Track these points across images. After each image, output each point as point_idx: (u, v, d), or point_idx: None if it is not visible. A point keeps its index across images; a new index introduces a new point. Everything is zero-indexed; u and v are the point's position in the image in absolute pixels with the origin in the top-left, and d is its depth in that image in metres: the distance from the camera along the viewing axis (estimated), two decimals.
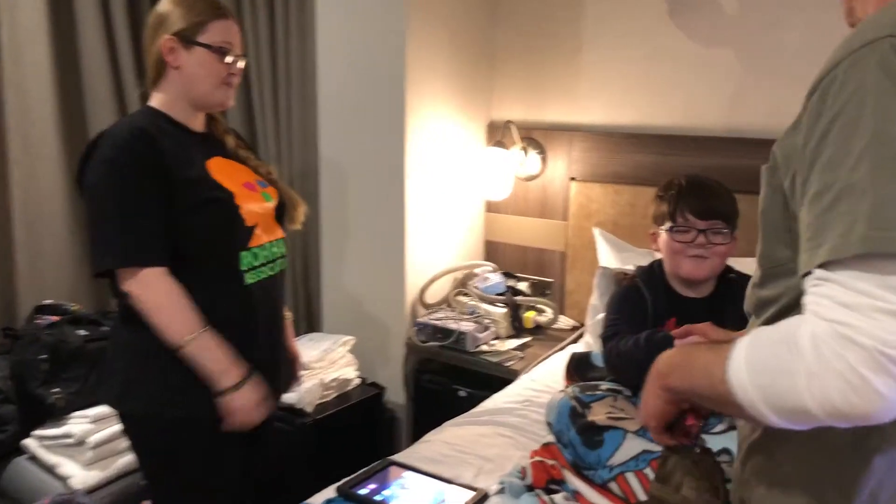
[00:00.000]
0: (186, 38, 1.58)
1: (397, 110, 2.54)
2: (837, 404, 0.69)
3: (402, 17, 2.48)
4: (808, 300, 0.74)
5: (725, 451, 1.65)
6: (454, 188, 2.81)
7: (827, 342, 0.69)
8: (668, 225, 1.85)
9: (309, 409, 2.37)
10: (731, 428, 1.68)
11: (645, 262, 2.41)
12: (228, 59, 1.62)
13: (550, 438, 1.81)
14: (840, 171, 0.71)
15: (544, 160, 2.78)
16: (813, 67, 2.65)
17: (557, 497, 1.65)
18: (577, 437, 1.73)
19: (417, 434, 2.69)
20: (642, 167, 2.57)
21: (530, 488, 1.67)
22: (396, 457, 1.83)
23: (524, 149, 2.78)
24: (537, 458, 1.73)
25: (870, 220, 0.68)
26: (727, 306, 1.85)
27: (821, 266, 0.72)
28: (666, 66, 2.55)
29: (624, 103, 2.65)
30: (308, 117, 2.82)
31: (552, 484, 1.68)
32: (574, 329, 2.71)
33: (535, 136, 2.79)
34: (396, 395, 2.71)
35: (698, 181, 1.88)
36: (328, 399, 2.47)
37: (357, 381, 2.59)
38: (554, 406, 1.84)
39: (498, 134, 2.82)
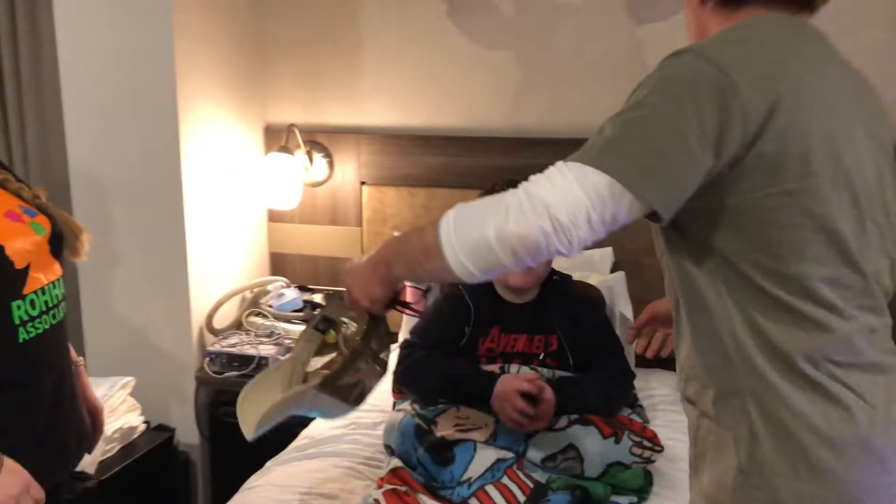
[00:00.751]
0: None
1: (168, 114, 2.24)
2: (510, 226, 0.92)
3: (169, 11, 2.18)
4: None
5: (571, 446, 1.67)
6: (235, 199, 2.56)
7: (524, 190, 0.93)
8: None
9: (91, 469, 2.01)
10: (571, 424, 1.70)
11: None
12: None
13: (395, 462, 1.70)
14: (615, 118, 0.96)
15: (331, 164, 2.64)
16: (584, 68, 2.76)
17: None
18: (426, 455, 1.64)
19: (217, 476, 2.43)
20: (433, 169, 2.55)
21: None
22: None
23: (308, 153, 2.61)
24: (388, 487, 1.62)
25: (602, 147, 0.94)
26: (553, 308, 1.88)
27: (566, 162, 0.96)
28: (449, 66, 2.54)
29: (410, 104, 2.60)
30: (49, 123, 2.40)
31: None
32: None
33: (320, 140, 2.64)
34: (189, 435, 2.41)
35: None
36: (112, 454, 2.11)
37: (143, 428, 2.25)
38: (394, 427, 1.74)
39: (278, 138, 2.62)
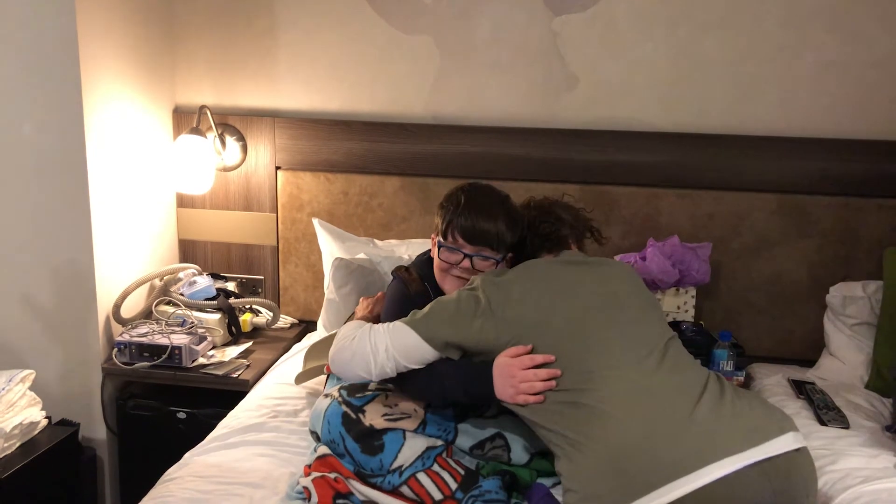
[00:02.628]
0: None
1: (71, 92, 2.11)
2: (348, 343, 1.64)
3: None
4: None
5: (498, 434, 1.69)
6: (142, 183, 2.44)
7: (366, 333, 1.63)
8: (439, 240, 1.77)
9: None
10: (502, 413, 1.72)
11: (368, 249, 2.37)
12: None
13: (322, 449, 1.68)
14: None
15: (245, 148, 2.56)
16: (502, 56, 2.79)
17: None
18: (355, 444, 1.63)
19: (126, 473, 2.33)
20: (354, 154, 2.52)
21: None
22: None
23: (221, 136, 2.52)
24: (317, 475, 1.59)
25: (416, 319, 1.60)
26: None
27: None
28: (367, 51, 2.51)
29: (327, 88, 2.55)
30: None
31: (339, 499, 1.56)
32: (294, 327, 2.57)
33: (232, 123, 2.56)
34: (95, 430, 2.29)
35: (477, 200, 1.75)
36: (11, 451, 1.98)
37: (45, 423, 2.13)
38: (321, 413, 1.71)
39: (188, 120, 2.52)
